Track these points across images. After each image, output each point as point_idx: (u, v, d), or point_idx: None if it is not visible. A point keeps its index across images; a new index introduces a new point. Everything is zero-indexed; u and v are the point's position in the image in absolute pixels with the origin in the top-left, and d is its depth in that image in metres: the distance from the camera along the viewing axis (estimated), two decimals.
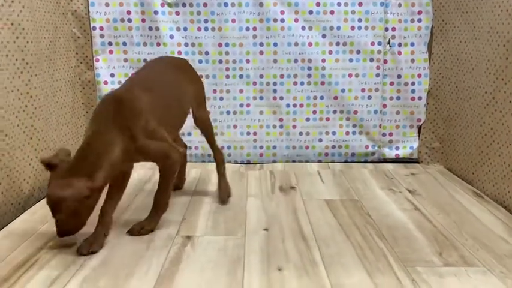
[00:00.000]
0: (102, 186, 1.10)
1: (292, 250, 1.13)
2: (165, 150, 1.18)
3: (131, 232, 1.21)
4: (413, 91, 1.88)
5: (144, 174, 1.72)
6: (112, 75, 1.87)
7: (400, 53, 1.86)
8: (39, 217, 1.33)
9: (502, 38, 1.42)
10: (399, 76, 1.88)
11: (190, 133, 1.90)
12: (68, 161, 1.09)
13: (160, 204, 1.23)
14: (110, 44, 1.85)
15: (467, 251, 1.13)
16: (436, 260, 1.08)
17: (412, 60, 1.86)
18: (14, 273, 1.02)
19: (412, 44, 1.85)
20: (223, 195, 1.46)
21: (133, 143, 1.11)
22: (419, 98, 1.88)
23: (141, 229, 1.21)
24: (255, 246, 1.16)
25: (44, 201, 1.44)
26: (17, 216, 1.34)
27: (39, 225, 1.27)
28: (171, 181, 1.23)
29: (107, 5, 1.81)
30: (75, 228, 1.10)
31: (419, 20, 1.83)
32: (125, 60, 1.86)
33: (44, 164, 1.10)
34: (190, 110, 1.42)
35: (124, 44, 1.85)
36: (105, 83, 1.87)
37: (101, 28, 1.83)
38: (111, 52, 1.85)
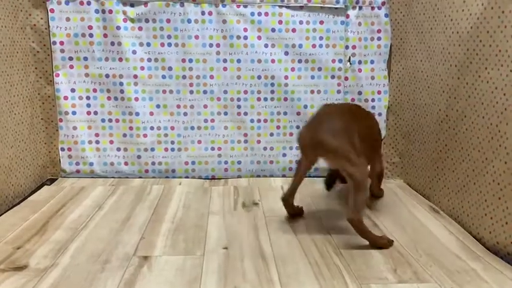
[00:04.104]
0: None
1: (250, 269, 1.14)
2: None
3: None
4: (373, 107, 1.93)
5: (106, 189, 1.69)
6: (73, 90, 1.84)
7: (360, 70, 1.90)
8: None
9: (453, 59, 1.47)
10: (360, 93, 1.92)
11: (153, 148, 1.89)
12: None
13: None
14: (71, 58, 1.82)
15: (421, 267, 1.16)
16: (391, 277, 1.10)
17: (372, 77, 1.91)
18: None
19: (372, 62, 1.90)
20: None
21: None
22: (379, 114, 1.93)
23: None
24: (213, 265, 1.15)
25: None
26: None
27: None
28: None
29: (67, 19, 1.78)
30: None
31: (379, 39, 1.88)
32: (86, 75, 1.83)
33: None
34: None
35: (85, 59, 1.82)
36: (66, 98, 1.84)
37: (61, 43, 1.80)
38: (71, 67, 1.82)
